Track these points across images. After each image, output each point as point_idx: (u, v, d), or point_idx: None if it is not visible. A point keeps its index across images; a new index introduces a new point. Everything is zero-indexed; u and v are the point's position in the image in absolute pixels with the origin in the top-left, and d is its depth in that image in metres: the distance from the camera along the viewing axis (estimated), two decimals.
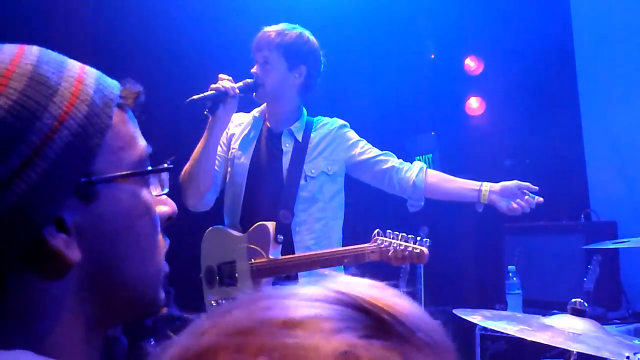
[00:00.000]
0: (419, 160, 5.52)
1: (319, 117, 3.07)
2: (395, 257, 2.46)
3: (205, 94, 2.71)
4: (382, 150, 3.07)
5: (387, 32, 5.16)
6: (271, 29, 2.91)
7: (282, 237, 2.78)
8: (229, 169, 2.99)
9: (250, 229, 2.84)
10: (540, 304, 3.96)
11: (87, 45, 3.97)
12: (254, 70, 2.90)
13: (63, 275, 0.66)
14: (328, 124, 3.03)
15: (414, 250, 2.44)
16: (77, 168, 0.67)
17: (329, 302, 0.45)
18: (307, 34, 2.95)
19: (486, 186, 2.94)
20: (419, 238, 2.47)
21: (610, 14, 4.64)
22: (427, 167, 3.06)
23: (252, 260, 2.78)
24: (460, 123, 5.39)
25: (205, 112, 2.76)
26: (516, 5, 4.99)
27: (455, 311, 1.89)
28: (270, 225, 2.78)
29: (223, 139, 3.01)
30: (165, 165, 0.79)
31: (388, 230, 2.53)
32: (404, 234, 2.48)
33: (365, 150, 3.01)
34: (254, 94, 2.90)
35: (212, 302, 2.87)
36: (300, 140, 2.94)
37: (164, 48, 4.10)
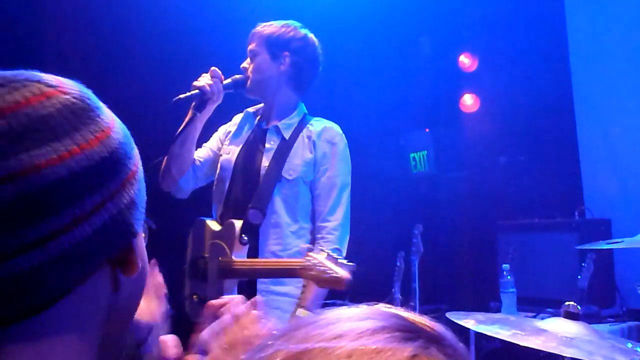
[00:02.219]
0: (414, 157, 5.54)
1: (317, 118, 2.94)
2: (317, 280, 2.21)
3: (191, 92, 2.71)
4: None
5: (382, 28, 5.14)
6: (263, 24, 2.90)
7: (246, 238, 2.66)
8: (219, 164, 2.95)
9: (223, 225, 2.76)
10: (535, 302, 3.97)
11: (84, 45, 3.95)
12: (242, 64, 2.89)
13: (133, 275, 0.79)
14: (324, 129, 2.87)
15: (333, 274, 2.16)
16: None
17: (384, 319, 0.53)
18: (295, 25, 2.89)
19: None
20: (343, 261, 2.23)
21: (605, 13, 4.63)
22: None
23: (220, 258, 2.67)
24: (454, 120, 5.39)
25: (192, 111, 2.75)
26: (511, 2, 4.98)
27: (448, 315, 1.89)
28: (238, 224, 2.67)
29: (220, 135, 3.01)
30: None
31: (319, 247, 2.39)
32: (332, 254, 2.27)
33: (324, 183, 2.80)
34: (245, 88, 2.87)
35: (194, 296, 2.79)
36: (287, 138, 2.83)
37: (159, 44, 4.08)
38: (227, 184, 2.88)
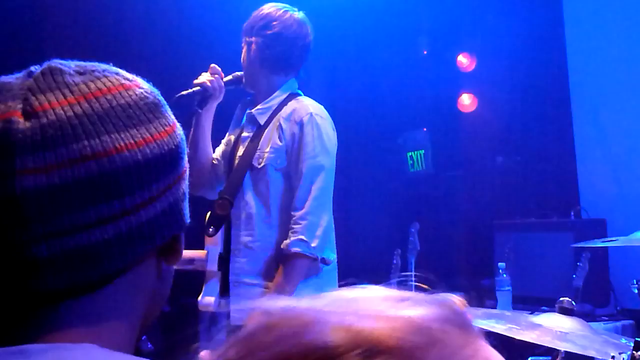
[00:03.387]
0: (412, 155, 5.56)
1: (301, 98, 2.77)
2: None
3: (193, 89, 2.71)
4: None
5: (380, 28, 5.17)
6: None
7: (212, 229, 2.61)
8: None
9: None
10: (530, 301, 4.00)
11: (84, 36, 3.97)
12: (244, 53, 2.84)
13: (174, 264, 0.86)
14: (293, 111, 2.68)
15: None
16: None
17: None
18: (267, 7, 2.75)
19: None
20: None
21: (603, 14, 4.66)
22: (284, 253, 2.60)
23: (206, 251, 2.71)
24: (452, 119, 5.41)
25: (195, 108, 2.76)
26: (509, 3, 5.01)
27: None
28: (207, 215, 2.65)
29: None
30: None
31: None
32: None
33: (296, 164, 2.64)
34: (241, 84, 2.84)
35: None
36: (262, 124, 2.72)
37: (160, 38, 4.10)
38: (216, 176, 2.90)
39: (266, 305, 0.49)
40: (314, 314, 0.46)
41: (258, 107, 2.75)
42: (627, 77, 4.44)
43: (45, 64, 0.79)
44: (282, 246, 2.56)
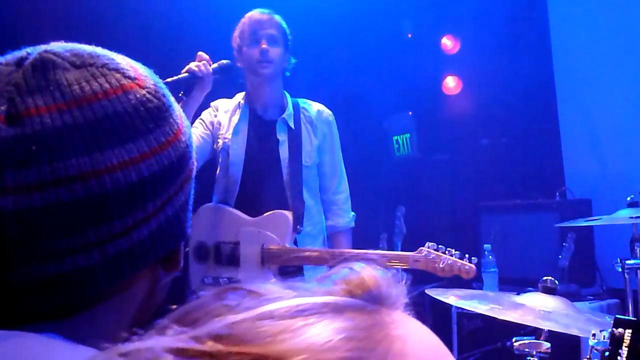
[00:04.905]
0: (397, 139, 5.55)
1: (304, 101, 3.08)
2: (442, 270, 2.61)
3: (180, 76, 2.70)
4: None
5: (364, 12, 5.14)
6: (267, 11, 2.97)
7: (300, 227, 2.87)
8: (226, 157, 2.99)
9: (264, 215, 2.87)
10: (516, 282, 4.01)
11: (67, 23, 3.92)
12: (264, 45, 2.89)
13: (173, 273, 0.80)
14: (319, 113, 3.06)
15: (463, 266, 2.62)
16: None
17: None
18: (262, 10, 3.01)
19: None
20: (466, 255, 2.66)
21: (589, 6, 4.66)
22: (346, 229, 3.14)
23: (265, 245, 2.82)
24: (437, 102, 5.41)
25: (180, 95, 2.75)
26: None
27: (427, 291, 1.91)
28: (289, 214, 2.85)
29: (208, 119, 3.02)
30: None
31: (440, 245, 2.68)
32: (450, 249, 2.66)
33: (328, 160, 3.08)
34: (265, 69, 2.91)
35: (205, 278, 2.90)
36: (293, 127, 2.98)
37: (144, 25, 4.06)
38: (240, 177, 2.95)
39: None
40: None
41: (286, 112, 2.99)
42: (611, 58, 4.44)
43: (38, 52, 0.70)
44: (342, 223, 3.08)
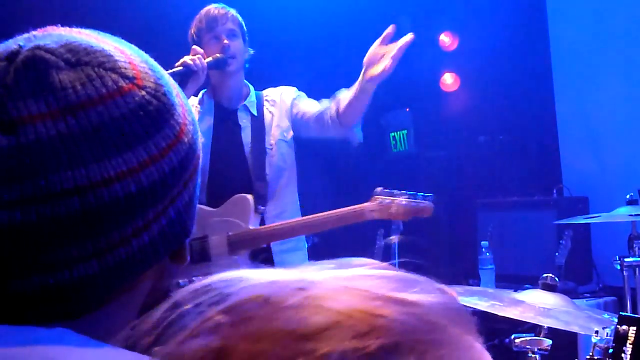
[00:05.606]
0: (395, 136, 5.55)
1: (267, 90, 3.11)
2: (397, 213, 2.54)
3: (175, 70, 2.70)
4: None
5: (363, 7, 5.12)
6: (222, 6, 2.97)
7: (262, 208, 2.82)
8: None
9: (225, 203, 2.85)
10: (513, 279, 4.01)
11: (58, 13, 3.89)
12: (226, 42, 2.88)
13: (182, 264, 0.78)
14: (275, 93, 3.06)
15: (418, 204, 2.55)
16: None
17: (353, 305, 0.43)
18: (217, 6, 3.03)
19: (361, 73, 2.88)
20: (420, 194, 2.57)
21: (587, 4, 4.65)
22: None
23: (230, 233, 2.78)
24: (435, 99, 5.40)
25: None
26: None
27: None
28: (250, 197, 2.82)
29: None
30: None
31: (385, 190, 2.58)
32: (403, 192, 2.56)
33: (306, 104, 3.02)
34: (229, 67, 2.90)
35: (180, 281, 2.85)
36: (256, 114, 2.99)
37: (135, 20, 4.04)
38: (208, 170, 2.93)
39: (259, 276, 0.46)
40: (317, 289, 0.43)
41: (248, 100, 2.99)
42: (610, 56, 4.43)
43: (31, 48, 0.66)
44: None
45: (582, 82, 4.64)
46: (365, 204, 2.59)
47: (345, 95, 2.89)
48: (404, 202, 2.51)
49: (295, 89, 3.09)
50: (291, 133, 2.99)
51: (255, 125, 2.97)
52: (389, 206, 2.53)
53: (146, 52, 0.77)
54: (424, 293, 0.45)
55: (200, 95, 3.09)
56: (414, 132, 5.41)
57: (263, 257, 2.83)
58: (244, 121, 2.99)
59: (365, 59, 2.79)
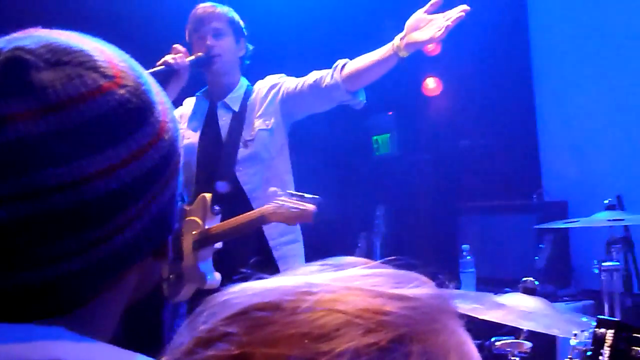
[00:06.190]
0: (377, 139, 5.57)
1: (257, 82, 3.07)
2: (286, 219, 2.43)
3: (156, 68, 2.70)
4: None
5: (346, 11, 5.15)
6: (209, 4, 2.95)
7: (218, 208, 2.73)
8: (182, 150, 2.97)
9: (194, 202, 2.84)
10: (493, 282, 4.05)
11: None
12: (208, 42, 2.88)
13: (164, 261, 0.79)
14: (259, 84, 3.01)
15: (302, 209, 2.38)
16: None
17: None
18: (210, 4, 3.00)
19: (397, 38, 2.81)
20: (309, 196, 2.41)
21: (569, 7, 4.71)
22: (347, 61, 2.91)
23: (194, 232, 2.76)
24: (417, 103, 5.43)
25: None
26: None
27: None
28: (208, 195, 2.77)
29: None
30: None
31: (280, 192, 2.48)
32: (295, 192, 2.44)
33: (293, 80, 2.95)
34: (213, 66, 2.90)
35: (170, 276, 2.85)
36: (237, 110, 2.95)
37: (118, 17, 4.03)
38: (195, 168, 2.94)
39: (263, 285, 0.49)
40: (323, 292, 0.46)
41: (230, 95, 2.95)
42: (590, 61, 4.49)
43: (10, 49, 0.66)
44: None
45: (562, 87, 4.70)
46: (263, 208, 2.50)
47: (363, 59, 2.86)
48: (291, 206, 2.39)
49: (281, 74, 3.02)
50: (273, 120, 2.91)
51: (233, 121, 2.94)
52: (279, 211, 2.41)
53: (139, 51, 0.78)
54: (418, 287, 0.49)
55: (198, 94, 3.09)
56: (396, 136, 5.44)
57: (261, 254, 2.81)
58: (224, 118, 2.96)
59: (408, 24, 2.76)
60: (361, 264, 0.54)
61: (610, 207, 2.87)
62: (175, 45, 2.80)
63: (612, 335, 1.30)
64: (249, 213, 2.65)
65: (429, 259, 5.12)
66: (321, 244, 4.16)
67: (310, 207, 2.38)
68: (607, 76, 4.40)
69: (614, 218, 2.76)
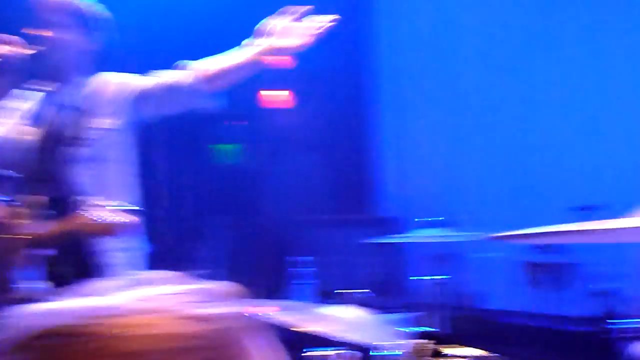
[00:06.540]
0: (220, 149, 5.51)
1: (99, 77, 2.85)
2: (95, 230, 2.30)
3: None
4: None
5: (188, 21, 5.08)
6: None
7: (50, 212, 2.55)
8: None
9: (27, 204, 2.68)
10: (330, 295, 4.09)
11: None
12: (48, 34, 2.70)
13: None
14: (106, 81, 2.81)
15: (110, 221, 2.26)
16: None
17: None
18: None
19: (260, 41, 2.65)
20: (129, 207, 2.28)
21: (409, 20, 4.89)
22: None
23: (22, 236, 2.60)
24: (261, 115, 5.44)
25: None
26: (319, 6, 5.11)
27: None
28: (40, 198, 2.60)
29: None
30: None
31: (90, 200, 2.36)
32: (117, 203, 2.29)
33: (146, 80, 2.77)
34: (52, 60, 2.72)
35: None
36: (81, 107, 2.77)
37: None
38: (32, 167, 2.75)
39: (61, 305, 0.47)
40: (123, 315, 0.45)
41: (70, 92, 2.75)
42: (430, 83, 4.69)
43: None
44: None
45: (401, 106, 4.88)
46: (77, 218, 2.35)
47: (224, 61, 2.71)
48: (104, 218, 2.25)
49: (132, 73, 2.83)
50: (119, 119, 2.75)
51: (76, 119, 2.77)
52: (90, 223, 2.29)
53: None
54: (224, 305, 0.49)
55: (37, 88, 2.88)
56: (239, 147, 5.42)
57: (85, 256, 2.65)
58: (66, 115, 2.77)
59: (270, 30, 2.62)
60: (172, 280, 0.52)
61: (437, 224, 3.00)
62: (9, 36, 2.60)
63: (432, 344, 1.33)
64: (65, 222, 2.51)
65: (267, 272, 5.12)
66: (164, 254, 4.04)
67: (122, 219, 2.23)
68: (445, 100, 4.62)
69: (442, 234, 2.88)
